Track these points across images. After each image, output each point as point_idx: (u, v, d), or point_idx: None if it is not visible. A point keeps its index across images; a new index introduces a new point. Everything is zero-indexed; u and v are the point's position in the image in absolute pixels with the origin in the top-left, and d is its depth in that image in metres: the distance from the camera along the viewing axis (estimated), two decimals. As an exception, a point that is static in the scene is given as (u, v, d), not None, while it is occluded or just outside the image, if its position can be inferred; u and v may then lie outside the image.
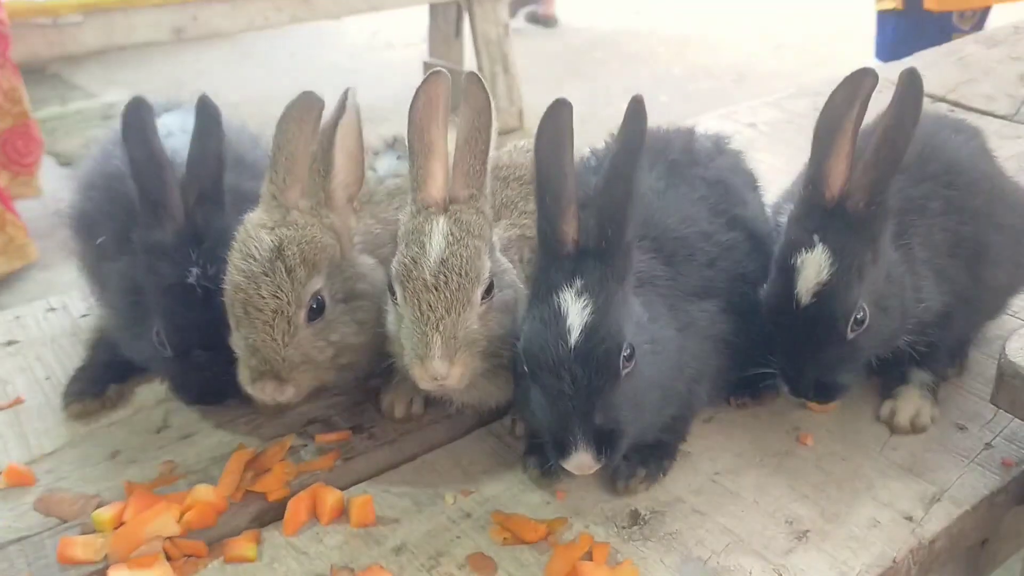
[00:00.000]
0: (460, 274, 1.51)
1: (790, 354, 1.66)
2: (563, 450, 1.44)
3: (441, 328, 1.50)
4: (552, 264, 1.50)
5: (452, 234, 1.53)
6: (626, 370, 1.45)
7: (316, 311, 1.65)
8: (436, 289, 1.51)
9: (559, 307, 1.44)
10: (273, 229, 1.64)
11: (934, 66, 3.46)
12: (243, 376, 1.66)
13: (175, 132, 1.90)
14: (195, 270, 1.70)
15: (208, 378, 1.73)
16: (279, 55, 8.17)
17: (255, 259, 1.61)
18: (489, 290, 1.56)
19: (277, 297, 1.60)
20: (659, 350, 1.54)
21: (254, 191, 1.85)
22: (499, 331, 1.58)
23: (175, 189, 1.73)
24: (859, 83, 1.61)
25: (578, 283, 1.46)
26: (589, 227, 1.49)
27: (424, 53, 6.81)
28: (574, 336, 1.42)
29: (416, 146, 1.60)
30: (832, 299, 1.58)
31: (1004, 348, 1.60)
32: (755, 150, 2.11)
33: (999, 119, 3.02)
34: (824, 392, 1.66)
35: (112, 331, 1.90)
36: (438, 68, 1.64)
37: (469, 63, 6.51)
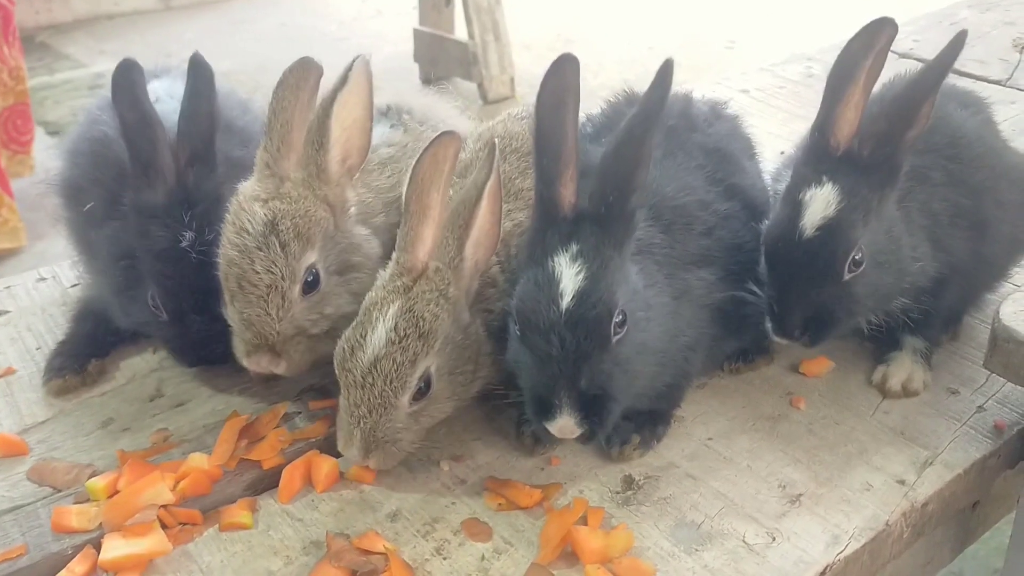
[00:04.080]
0: (386, 381, 1.50)
1: (783, 287, 1.63)
2: (547, 413, 1.45)
3: (362, 425, 1.51)
4: (548, 227, 1.49)
5: (396, 329, 1.51)
6: (617, 336, 1.44)
7: (311, 285, 1.64)
8: (362, 388, 1.51)
9: (553, 271, 1.44)
10: (267, 202, 1.62)
11: (927, 31, 3.44)
12: (238, 349, 1.66)
13: (163, 98, 1.88)
14: (188, 234, 1.69)
15: (205, 341, 1.74)
16: (268, 24, 8.09)
17: (248, 233, 1.60)
18: (427, 388, 1.54)
19: (271, 272, 1.60)
20: (653, 317, 1.54)
21: (242, 158, 1.84)
22: (441, 416, 1.60)
23: (166, 150, 1.71)
24: (877, 32, 1.60)
25: (573, 248, 1.45)
26: (592, 190, 1.47)
27: (415, 21, 6.74)
28: (566, 300, 1.42)
29: (412, 207, 1.57)
30: (835, 234, 1.58)
31: (998, 312, 1.60)
32: (748, 115, 2.10)
33: (992, 84, 3.00)
34: (811, 330, 1.63)
35: (103, 297, 1.89)
36: (451, 130, 1.60)
37: (460, 31, 6.46)
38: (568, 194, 1.48)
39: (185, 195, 1.72)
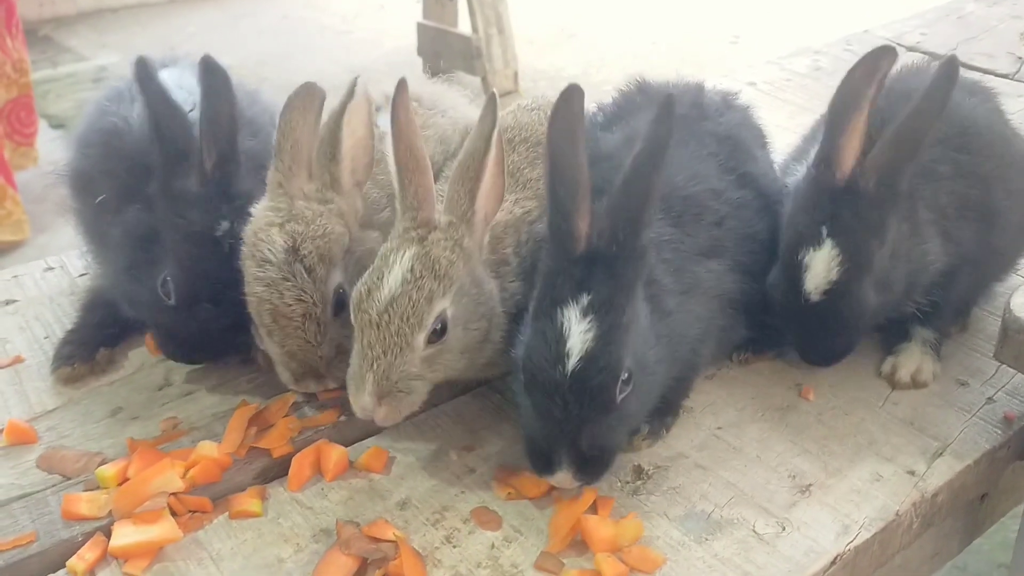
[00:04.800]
0: (402, 319, 1.48)
1: (799, 338, 1.70)
2: (546, 467, 1.45)
3: (375, 367, 1.49)
4: (561, 269, 1.44)
5: (413, 271, 1.50)
6: (622, 395, 1.42)
7: (340, 303, 1.64)
8: (378, 328, 1.49)
9: (561, 325, 1.40)
10: (283, 226, 1.62)
11: (934, 24, 3.44)
12: (284, 376, 1.68)
13: (172, 88, 1.88)
14: (225, 223, 1.70)
15: (200, 334, 1.73)
16: (270, 17, 8.08)
17: (271, 263, 1.60)
18: (442, 332, 1.52)
19: (302, 301, 1.60)
20: (660, 353, 1.51)
21: (252, 148, 1.84)
22: (451, 372, 1.58)
23: (197, 139, 1.72)
24: (878, 60, 1.61)
25: (584, 299, 1.40)
26: (602, 228, 1.44)
27: (418, 14, 6.74)
28: (572, 361, 1.38)
29: (408, 163, 1.55)
30: (842, 297, 1.60)
31: (1009, 303, 1.60)
32: (756, 108, 2.09)
33: (1000, 78, 3.00)
34: (833, 357, 1.71)
35: (110, 282, 1.89)
36: (402, 77, 1.59)
37: (463, 24, 6.45)
38: (584, 226, 1.45)
39: (222, 190, 1.72)
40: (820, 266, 1.59)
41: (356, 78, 1.69)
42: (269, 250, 1.60)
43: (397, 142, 1.56)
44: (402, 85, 1.58)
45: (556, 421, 1.41)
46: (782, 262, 1.66)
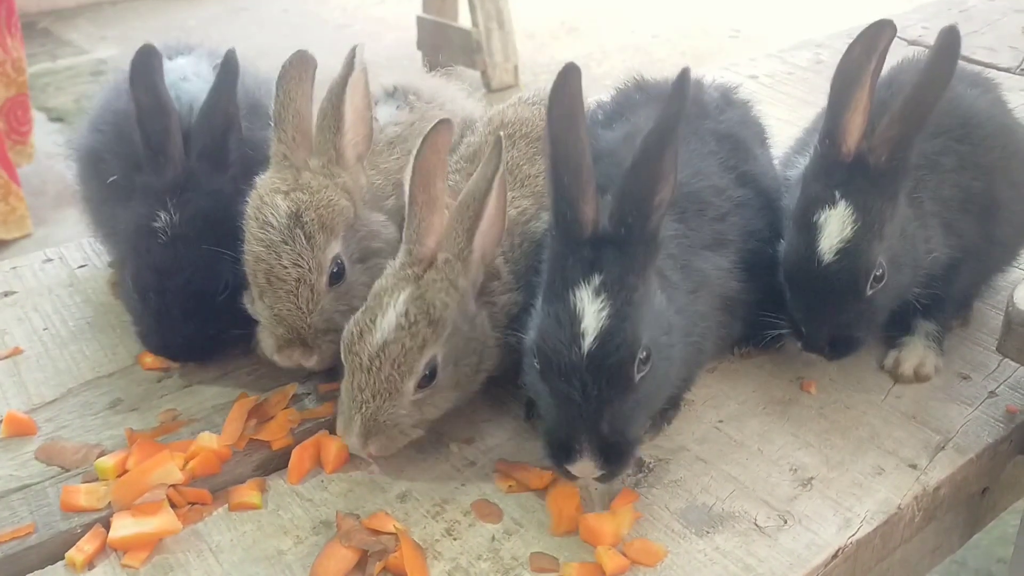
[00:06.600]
0: (393, 365, 1.47)
1: (807, 311, 1.65)
2: (568, 455, 1.39)
3: (363, 410, 1.49)
4: (570, 252, 1.41)
5: (406, 316, 1.48)
6: (641, 374, 1.39)
7: (337, 275, 1.64)
8: (368, 372, 1.48)
9: (575, 306, 1.37)
10: (288, 194, 1.62)
11: (936, 18, 3.43)
12: (268, 345, 1.66)
13: (190, 76, 1.89)
14: (163, 215, 1.69)
15: (160, 327, 1.73)
16: (270, 11, 8.09)
17: (273, 227, 1.60)
18: (431, 376, 1.51)
19: (298, 265, 1.59)
20: (675, 339, 1.49)
21: (268, 138, 1.83)
22: (446, 407, 1.57)
23: (178, 138, 1.72)
24: (877, 35, 1.59)
25: (596, 279, 1.37)
26: (612, 210, 1.41)
27: (417, 8, 6.72)
28: (588, 340, 1.35)
29: (420, 198, 1.54)
30: (854, 257, 1.58)
31: (1012, 296, 1.59)
32: (757, 102, 2.08)
33: (1002, 72, 2.99)
34: (839, 348, 1.66)
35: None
36: (446, 117, 1.58)
37: (463, 18, 6.44)
38: (591, 212, 1.42)
39: (185, 184, 1.72)
40: (834, 224, 1.58)
41: (354, 48, 1.68)
42: (272, 214, 1.60)
43: (415, 175, 1.54)
44: (445, 125, 1.56)
45: (575, 405, 1.36)
46: (796, 226, 1.64)
